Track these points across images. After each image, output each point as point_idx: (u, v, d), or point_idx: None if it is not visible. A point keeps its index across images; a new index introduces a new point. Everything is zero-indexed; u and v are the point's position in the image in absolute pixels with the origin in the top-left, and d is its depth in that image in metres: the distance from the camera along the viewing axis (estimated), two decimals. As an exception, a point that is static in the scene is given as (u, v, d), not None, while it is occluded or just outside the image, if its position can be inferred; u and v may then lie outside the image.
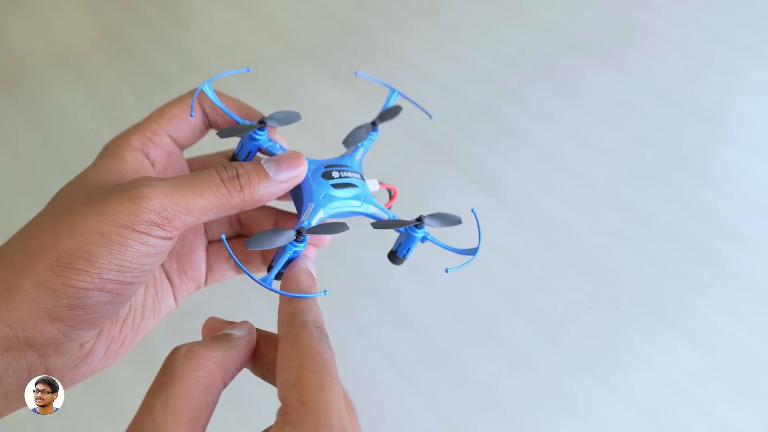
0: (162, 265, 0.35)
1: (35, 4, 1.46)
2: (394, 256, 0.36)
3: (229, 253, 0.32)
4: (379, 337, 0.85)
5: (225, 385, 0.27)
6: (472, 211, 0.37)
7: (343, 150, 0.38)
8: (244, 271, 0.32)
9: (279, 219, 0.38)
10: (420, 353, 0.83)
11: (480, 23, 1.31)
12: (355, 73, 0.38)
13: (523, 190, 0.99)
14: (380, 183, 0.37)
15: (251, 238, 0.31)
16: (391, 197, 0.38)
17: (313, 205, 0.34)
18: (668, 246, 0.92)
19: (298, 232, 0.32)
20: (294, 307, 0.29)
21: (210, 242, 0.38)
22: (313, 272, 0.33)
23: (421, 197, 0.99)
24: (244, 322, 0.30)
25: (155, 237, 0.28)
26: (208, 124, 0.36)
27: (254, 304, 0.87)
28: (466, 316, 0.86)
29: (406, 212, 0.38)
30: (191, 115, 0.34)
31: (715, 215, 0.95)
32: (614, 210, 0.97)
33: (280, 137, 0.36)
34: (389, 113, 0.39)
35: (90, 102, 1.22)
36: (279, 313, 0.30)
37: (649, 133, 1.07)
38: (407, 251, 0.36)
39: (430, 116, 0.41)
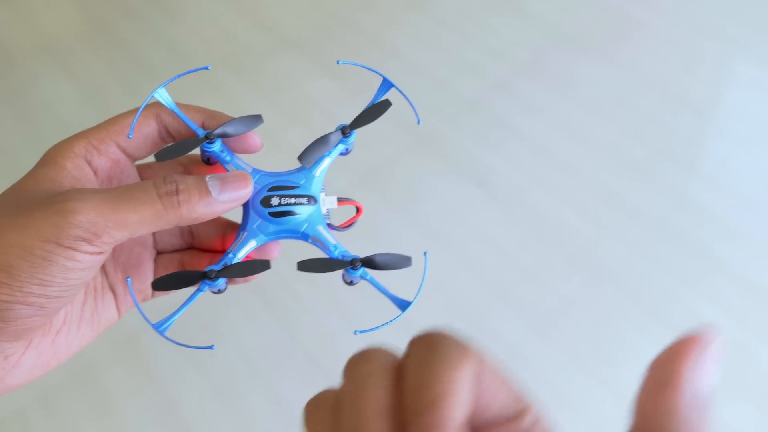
0: (106, 275, 0.34)
1: (20, -7, 1.44)
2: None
3: (133, 298, 0.32)
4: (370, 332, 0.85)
5: None
6: (424, 254, 0.35)
7: None
8: (142, 315, 0.31)
9: (228, 231, 0.37)
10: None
11: (470, 15, 1.30)
12: (337, 62, 0.35)
13: (514, 183, 0.99)
14: (340, 200, 0.35)
15: (156, 281, 0.30)
16: (357, 213, 0.36)
17: (245, 234, 0.32)
18: (658, 239, 0.92)
19: (206, 275, 0.30)
20: None
21: (159, 253, 0.37)
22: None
23: (412, 190, 0.98)
24: None
25: (83, 252, 0.27)
26: (167, 135, 0.34)
27: (242, 297, 0.86)
28: (456, 310, 0.86)
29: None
30: (129, 137, 0.33)
31: (705, 208, 0.95)
32: (604, 203, 0.97)
33: (254, 136, 0.34)
34: (370, 114, 0.34)
35: (76, 93, 1.21)
36: None
37: (639, 126, 1.07)
38: (350, 282, 0.34)
39: (419, 121, 0.37)
